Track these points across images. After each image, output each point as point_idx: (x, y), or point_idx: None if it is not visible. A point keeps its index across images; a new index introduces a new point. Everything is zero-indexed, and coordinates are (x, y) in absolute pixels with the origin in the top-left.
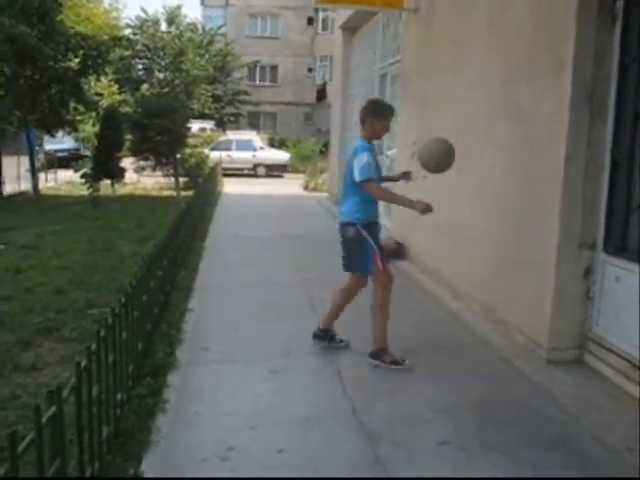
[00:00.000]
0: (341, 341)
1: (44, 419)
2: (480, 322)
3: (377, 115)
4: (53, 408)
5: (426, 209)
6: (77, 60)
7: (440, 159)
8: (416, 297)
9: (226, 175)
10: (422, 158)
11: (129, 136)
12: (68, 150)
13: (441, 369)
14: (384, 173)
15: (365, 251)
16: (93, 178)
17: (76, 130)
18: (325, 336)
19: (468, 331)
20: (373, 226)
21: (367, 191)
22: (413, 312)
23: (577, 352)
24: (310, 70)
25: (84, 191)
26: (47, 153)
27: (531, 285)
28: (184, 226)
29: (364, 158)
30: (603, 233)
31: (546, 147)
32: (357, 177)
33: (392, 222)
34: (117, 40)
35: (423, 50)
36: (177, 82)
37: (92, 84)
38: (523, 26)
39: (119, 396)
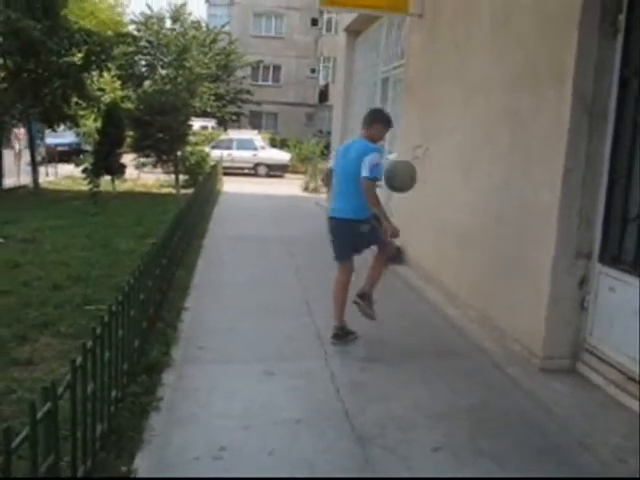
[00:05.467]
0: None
1: (39, 415)
2: (476, 329)
3: (384, 123)
4: (48, 404)
5: (394, 234)
6: (80, 55)
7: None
8: (413, 302)
9: (226, 174)
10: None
11: (130, 132)
12: (69, 145)
13: (435, 375)
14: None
15: (380, 233)
16: (93, 173)
17: (77, 125)
18: (344, 333)
19: (463, 338)
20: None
21: (363, 186)
22: (409, 317)
23: (571, 361)
24: (313, 71)
25: (84, 186)
26: (48, 147)
27: (527, 293)
28: (183, 224)
29: (376, 159)
30: (599, 243)
31: (545, 157)
32: (365, 173)
33: None
34: (121, 36)
35: (426, 55)
36: (180, 80)
37: (95, 79)
38: (526, 35)
39: (113, 394)
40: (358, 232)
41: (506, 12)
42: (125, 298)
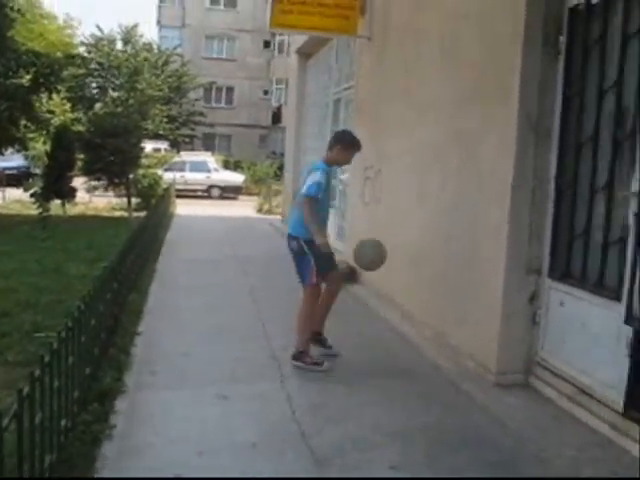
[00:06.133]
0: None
1: None
2: (431, 347)
3: (345, 146)
4: None
5: (324, 248)
6: (28, 77)
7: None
8: (368, 322)
9: (180, 196)
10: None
11: (81, 155)
12: (17, 168)
13: (391, 393)
14: (337, 196)
15: (305, 263)
16: (43, 197)
17: (26, 148)
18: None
19: (419, 356)
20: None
21: (303, 204)
22: (364, 336)
23: (524, 376)
24: (266, 93)
25: (34, 210)
26: None
27: (480, 310)
28: (135, 248)
29: (317, 177)
30: (548, 259)
31: (493, 174)
32: (303, 190)
33: (344, 245)
34: (71, 58)
35: (376, 76)
36: (131, 102)
37: (44, 102)
38: (473, 55)
39: (63, 423)
40: (289, 246)
41: (453, 33)
42: (75, 324)
